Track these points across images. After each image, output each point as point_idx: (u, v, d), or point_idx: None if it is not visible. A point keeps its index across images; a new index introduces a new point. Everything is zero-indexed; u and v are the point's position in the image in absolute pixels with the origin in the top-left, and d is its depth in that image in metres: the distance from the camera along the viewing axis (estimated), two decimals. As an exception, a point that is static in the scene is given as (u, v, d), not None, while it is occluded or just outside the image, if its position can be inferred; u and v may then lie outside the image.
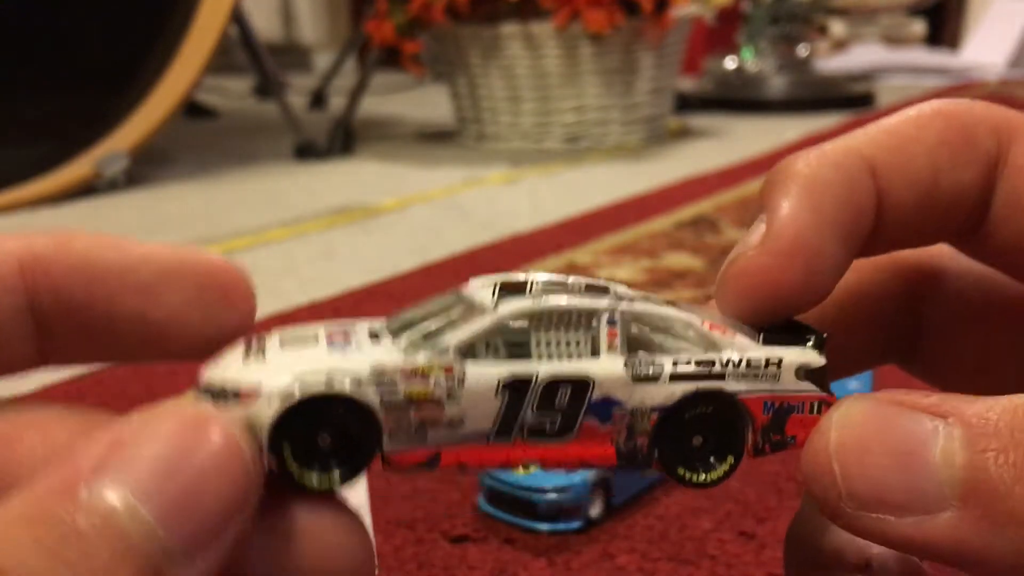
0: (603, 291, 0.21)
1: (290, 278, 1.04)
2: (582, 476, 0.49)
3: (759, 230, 0.22)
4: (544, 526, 0.50)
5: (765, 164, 1.61)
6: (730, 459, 0.21)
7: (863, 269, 0.27)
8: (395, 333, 0.21)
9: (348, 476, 0.20)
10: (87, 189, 1.49)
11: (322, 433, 0.19)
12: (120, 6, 1.73)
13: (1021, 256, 0.23)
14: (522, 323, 0.21)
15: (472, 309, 0.21)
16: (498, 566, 0.47)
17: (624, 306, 0.21)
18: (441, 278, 0.99)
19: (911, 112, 0.23)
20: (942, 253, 0.26)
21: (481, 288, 0.22)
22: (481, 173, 1.65)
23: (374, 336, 0.21)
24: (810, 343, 0.22)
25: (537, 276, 0.22)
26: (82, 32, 1.73)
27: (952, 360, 0.27)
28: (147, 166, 1.65)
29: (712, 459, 0.21)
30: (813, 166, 0.22)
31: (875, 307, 0.27)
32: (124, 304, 0.21)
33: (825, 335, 0.22)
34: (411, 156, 1.89)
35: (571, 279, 0.22)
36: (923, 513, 0.18)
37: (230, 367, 0.20)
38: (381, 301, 0.92)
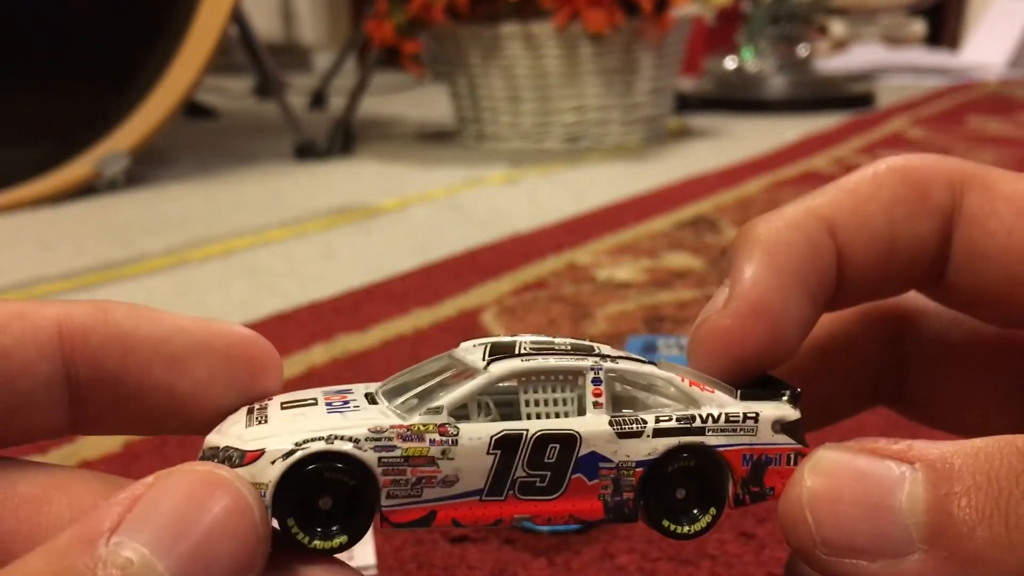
0: (588, 351, 0.23)
1: (290, 278, 1.04)
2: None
3: (723, 293, 0.23)
4: (544, 526, 0.50)
5: (765, 164, 1.61)
6: (712, 511, 0.22)
7: (844, 316, 0.28)
8: (390, 396, 0.22)
9: (351, 539, 0.20)
10: (87, 189, 1.49)
11: (323, 496, 0.20)
12: (120, 6, 1.73)
13: (983, 301, 0.25)
14: (511, 383, 0.22)
15: (464, 371, 0.22)
16: (498, 566, 0.47)
17: (608, 365, 0.22)
18: (441, 278, 0.99)
19: (867, 171, 0.25)
20: (919, 296, 0.27)
21: (472, 350, 0.23)
22: (481, 173, 1.65)
23: (370, 399, 0.22)
24: (785, 398, 0.23)
25: (524, 338, 0.23)
26: (82, 32, 1.73)
27: (936, 398, 0.28)
28: (147, 166, 1.65)
29: (695, 511, 0.22)
30: (773, 228, 0.24)
31: (858, 352, 0.28)
32: (154, 375, 0.22)
33: (799, 390, 0.23)
34: (411, 156, 1.89)
35: (557, 340, 0.23)
36: (892, 557, 0.19)
37: (232, 432, 0.21)
38: (381, 301, 0.92)
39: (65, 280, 1.05)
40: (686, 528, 0.22)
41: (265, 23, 3.51)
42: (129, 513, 0.17)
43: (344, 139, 1.88)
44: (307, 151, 1.82)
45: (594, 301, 0.89)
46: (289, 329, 0.83)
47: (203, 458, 0.21)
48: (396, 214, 1.36)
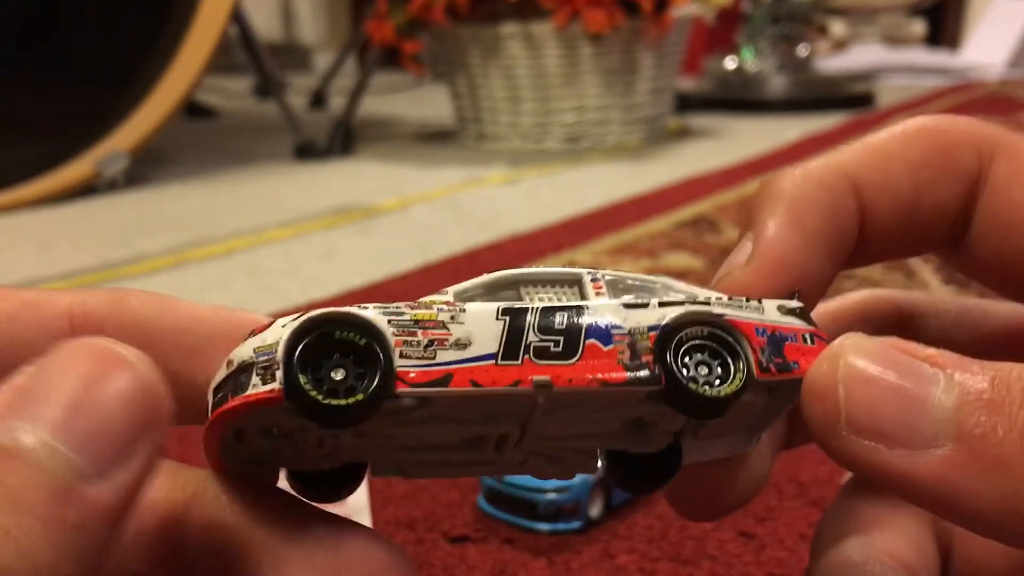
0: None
1: (290, 278, 1.04)
2: (582, 476, 0.49)
3: (746, 248, 0.23)
4: (544, 526, 0.50)
5: (765, 164, 1.61)
6: (740, 374, 0.21)
7: (846, 320, 0.28)
8: None
9: (371, 396, 0.19)
10: (87, 189, 1.49)
11: (335, 369, 0.19)
12: (120, 6, 1.73)
13: (1001, 270, 0.24)
14: (512, 292, 0.22)
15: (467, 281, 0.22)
16: (498, 566, 0.47)
17: (604, 272, 0.22)
18: (441, 278, 0.99)
19: (896, 129, 0.25)
20: (919, 297, 0.28)
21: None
22: (481, 173, 1.65)
23: None
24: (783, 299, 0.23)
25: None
26: (82, 32, 1.73)
27: None
28: (147, 166, 1.65)
29: (722, 375, 0.21)
30: (798, 184, 0.23)
31: None
32: (172, 366, 0.21)
33: (797, 292, 0.23)
34: (411, 156, 1.89)
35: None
36: (914, 448, 0.19)
37: None
38: (381, 301, 0.92)
39: (65, 280, 1.05)
40: (717, 390, 0.21)
41: (265, 23, 3.51)
42: (23, 395, 0.17)
43: (344, 139, 1.88)
44: (307, 151, 1.82)
45: (594, 301, 0.90)
46: (289, 329, 0.83)
47: (214, 378, 0.21)
48: (396, 214, 1.36)
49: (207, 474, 0.22)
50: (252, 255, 1.14)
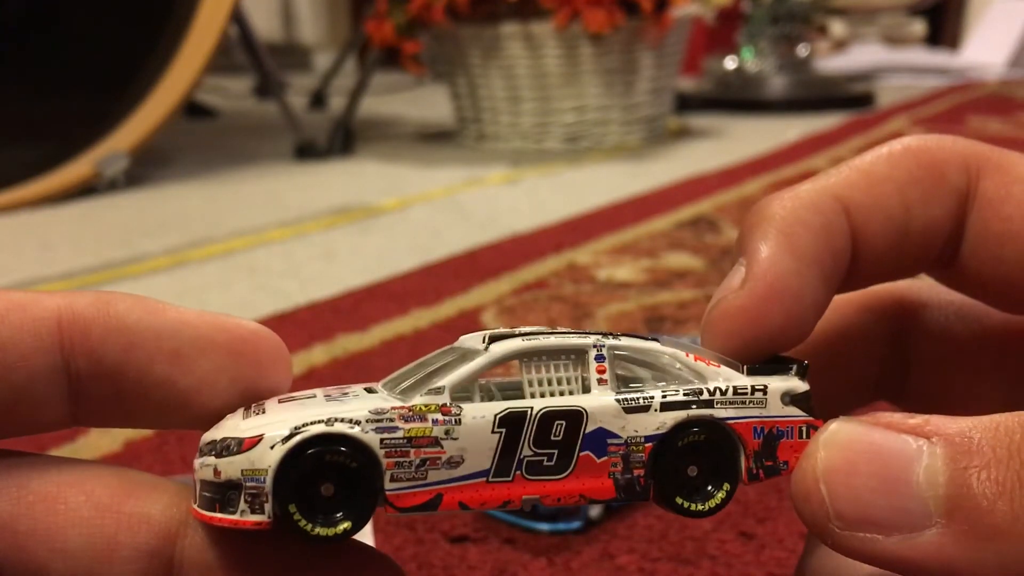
0: (588, 334, 0.22)
1: (290, 278, 1.04)
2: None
3: (739, 273, 0.23)
4: (544, 526, 0.50)
5: (765, 164, 1.61)
6: (726, 486, 0.22)
7: (847, 312, 0.28)
8: (390, 386, 0.22)
9: (355, 525, 0.20)
10: (87, 189, 1.49)
11: (325, 482, 0.20)
12: (120, 6, 1.73)
13: (995, 285, 0.24)
14: (513, 381, 0.22)
15: (464, 355, 0.22)
16: (498, 566, 0.47)
17: (610, 341, 0.22)
18: (441, 278, 0.99)
19: (882, 150, 0.24)
20: (922, 288, 0.27)
21: (472, 338, 0.22)
22: (481, 173, 1.65)
23: (370, 391, 0.22)
24: (792, 371, 0.23)
25: (524, 328, 0.23)
26: (82, 32, 1.73)
27: (941, 393, 0.28)
28: (147, 166, 1.65)
29: (709, 487, 0.22)
30: (788, 208, 0.23)
31: (861, 348, 0.28)
32: (156, 370, 0.21)
33: (806, 363, 0.23)
34: (411, 156, 1.89)
35: (558, 329, 0.23)
36: (909, 531, 0.18)
37: (228, 425, 0.21)
38: (381, 301, 0.92)
39: (65, 280, 1.05)
40: (701, 505, 0.21)
41: (265, 23, 3.50)
42: None
43: (344, 139, 1.88)
44: (307, 151, 1.82)
45: (594, 301, 0.89)
46: (289, 329, 0.83)
47: (201, 455, 0.21)
48: (396, 214, 1.36)
49: None
50: (252, 255, 1.14)
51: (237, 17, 1.82)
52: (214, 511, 0.20)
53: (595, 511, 0.50)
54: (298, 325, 0.85)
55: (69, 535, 0.20)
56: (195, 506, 0.21)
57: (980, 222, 0.24)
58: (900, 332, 0.28)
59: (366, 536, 0.48)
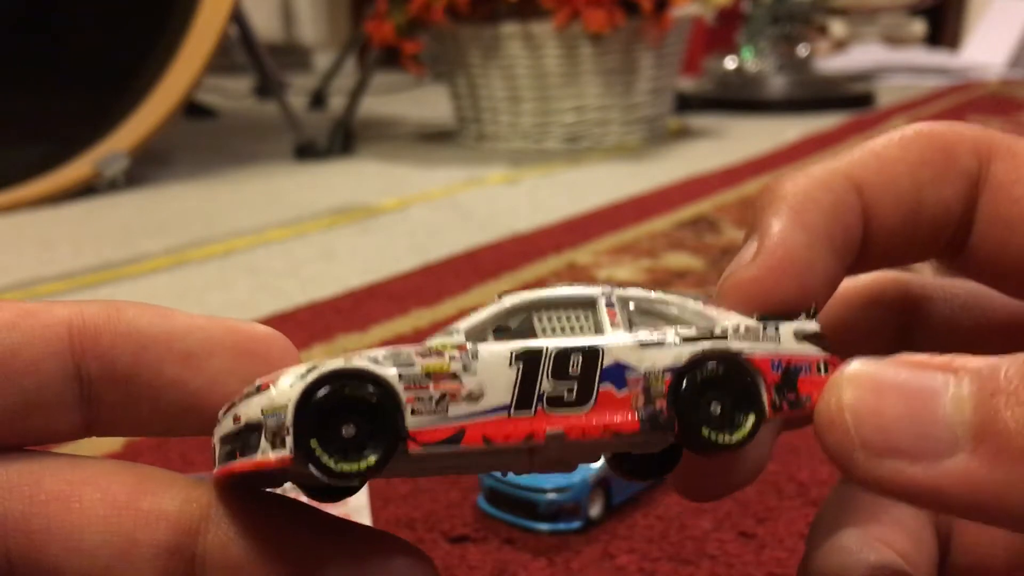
0: (595, 286, 0.22)
1: (290, 278, 1.04)
2: (582, 476, 0.49)
3: (752, 247, 0.23)
4: (544, 526, 0.50)
5: (765, 164, 1.61)
6: (752, 417, 0.21)
7: (853, 304, 0.28)
8: None
9: (382, 458, 0.19)
10: (87, 189, 1.49)
11: (346, 423, 0.19)
12: (120, 6, 1.73)
13: (1005, 270, 0.24)
14: (524, 315, 0.21)
15: (477, 309, 0.22)
16: (498, 566, 0.47)
17: (619, 292, 0.22)
18: (441, 278, 0.99)
19: (894, 134, 0.25)
20: (927, 282, 0.27)
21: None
22: (481, 173, 1.65)
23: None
24: (801, 317, 0.23)
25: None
26: (82, 32, 1.73)
27: None
28: (147, 166, 1.65)
29: (735, 419, 0.21)
30: (800, 185, 0.24)
31: (866, 339, 0.28)
32: (168, 372, 0.21)
33: (815, 307, 0.23)
34: (411, 156, 1.89)
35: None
36: (935, 458, 0.18)
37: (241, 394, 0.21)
38: (381, 301, 0.92)
39: (65, 280, 1.05)
40: (728, 437, 0.21)
41: (265, 23, 3.50)
42: None
43: (344, 139, 1.88)
44: (307, 151, 1.82)
45: (594, 301, 0.89)
46: (289, 329, 0.83)
47: (219, 421, 0.21)
48: (396, 214, 1.36)
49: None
50: (252, 255, 1.14)
51: (237, 17, 1.82)
52: (234, 460, 0.20)
53: (595, 511, 0.50)
54: (298, 325, 0.85)
55: (85, 534, 0.20)
56: (216, 468, 0.21)
57: (991, 205, 0.24)
58: (906, 325, 0.28)
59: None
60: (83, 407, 0.21)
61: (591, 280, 0.96)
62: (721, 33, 2.74)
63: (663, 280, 0.96)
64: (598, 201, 1.36)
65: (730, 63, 2.55)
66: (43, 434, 0.22)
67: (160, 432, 0.23)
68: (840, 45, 3.47)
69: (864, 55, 3.36)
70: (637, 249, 1.08)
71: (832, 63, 3.10)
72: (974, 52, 3.36)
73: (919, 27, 3.63)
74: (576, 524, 0.50)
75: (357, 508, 0.50)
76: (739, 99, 2.45)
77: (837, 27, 3.49)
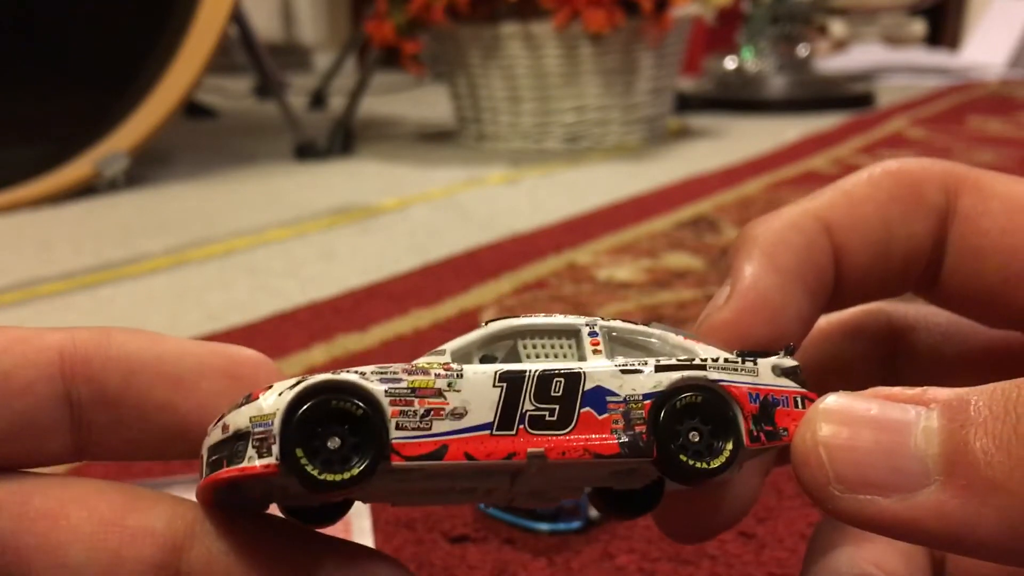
0: (580, 317, 0.23)
1: (290, 278, 1.04)
2: (582, 476, 0.49)
3: (724, 292, 0.24)
4: (544, 526, 0.50)
5: (765, 164, 1.61)
6: (730, 444, 0.22)
7: (836, 336, 0.28)
8: None
9: (366, 470, 0.20)
10: (87, 189, 1.49)
11: (331, 436, 0.20)
12: (120, 6, 1.73)
13: (978, 300, 0.25)
14: (510, 342, 0.22)
15: (464, 335, 0.22)
16: (498, 566, 0.47)
17: (602, 322, 0.23)
18: (441, 278, 0.99)
19: (863, 174, 0.25)
20: (908, 312, 0.28)
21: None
22: (481, 173, 1.65)
23: None
24: (780, 353, 0.23)
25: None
26: (82, 32, 1.73)
27: None
28: (147, 166, 1.65)
29: (714, 445, 0.22)
30: (772, 229, 0.25)
31: (849, 370, 0.28)
32: (157, 396, 0.22)
33: (792, 344, 0.24)
34: (411, 156, 1.89)
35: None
36: (908, 491, 0.19)
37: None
38: (381, 301, 0.92)
39: (65, 280, 1.05)
40: (706, 463, 0.21)
41: (265, 23, 3.51)
42: None
43: (344, 139, 1.88)
44: (307, 151, 1.82)
45: (594, 301, 0.89)
46: (289, 329, 0.83)
47: (208, 434, 0.21)
48: (396, 214, 1.36)
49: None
50: (252, 255, 1.14)
51: (237, 17, 1.82)
52: (221, 469, 0.20)
53: (595, 511, 0.50)
54: (298, 325, 0.85)
55: (71, 550, 0.20)
56: (202, 479, 0.21)
57: (960, 238, 0.25)
58: (889, 355, 0.28)
59: (365, 535, 0.48)
60: (74, 430, 0.22)
61: (591, 280, 0.96)
62: (721, 33, 2.74)
63: (663, 280, 0.96)
64: (598, 201, 1.36)
65: (730, 63, 2.55)
66: (35, 457, 0.22)
67: (151, 455, 0.23)
68: (840, 45, 3.47)
69: (864, 55, 3.36)
70: (637, 249, 1.08)
71: (832, 63, 3.10)
72: (974, 52, 3.36)
73: (919, 27, 3.63)
74: (576, 524, 0.50)
75: (357, 509, 0.50)
76: (739, 99, 2.45)
77: (837, 27, 3.49)
